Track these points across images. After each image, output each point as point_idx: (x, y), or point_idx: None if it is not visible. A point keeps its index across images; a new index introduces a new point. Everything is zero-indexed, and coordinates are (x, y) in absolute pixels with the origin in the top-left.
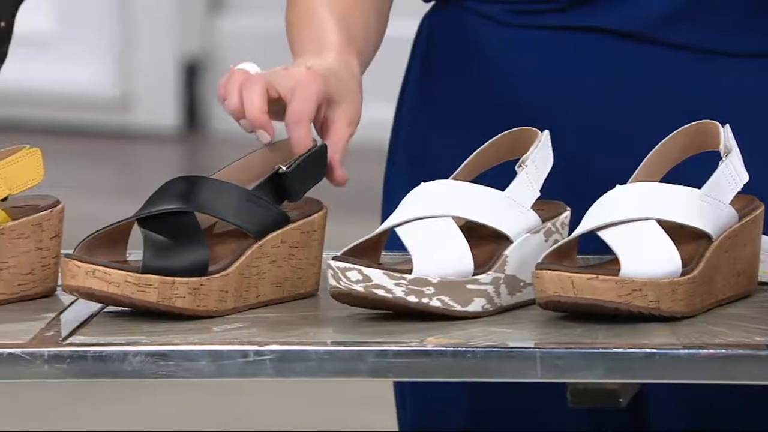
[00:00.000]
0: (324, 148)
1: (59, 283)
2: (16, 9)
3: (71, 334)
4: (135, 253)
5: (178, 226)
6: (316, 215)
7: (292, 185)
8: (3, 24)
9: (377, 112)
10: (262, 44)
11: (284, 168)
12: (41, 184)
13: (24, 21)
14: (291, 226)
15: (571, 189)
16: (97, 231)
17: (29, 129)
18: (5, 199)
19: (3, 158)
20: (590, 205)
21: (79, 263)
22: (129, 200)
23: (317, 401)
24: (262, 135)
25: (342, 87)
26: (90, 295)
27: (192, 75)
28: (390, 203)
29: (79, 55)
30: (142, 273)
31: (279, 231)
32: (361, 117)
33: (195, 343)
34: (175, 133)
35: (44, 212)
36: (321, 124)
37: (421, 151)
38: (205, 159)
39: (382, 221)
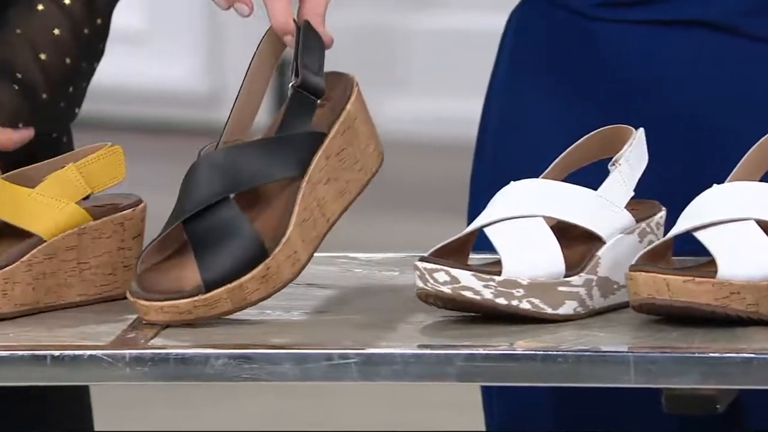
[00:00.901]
0: (307, 25)
1: None
2: (113, 7)
3: (153, 336)
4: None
5: (217, 223)
6: (349, 106)
7: (311, 84)
8: (100, 21)
9: (464, 108)
10: (355, 40)
11: (294, 80)
12: (125, 183)
13: (115, 18)
14: (329, 136)
15: (665, 188)
16: (151, 242)
17: (118, 126)
18: (87, 197)
19: (84, 156)
20: (685, 205)
21: (146, 302)
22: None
23: (401, 403)
24: (240, 8)
25: None
26: (169, 324)
27: (283, 71)
28: (477, 202)
29: (169, 51)
30: (207, 292)
31: (320, 151)
32: None
33: (279, 347)
34: (265, 130)
35: (126, 211)
36: None
37: (509, 148)
38: None
39: (469, 221)
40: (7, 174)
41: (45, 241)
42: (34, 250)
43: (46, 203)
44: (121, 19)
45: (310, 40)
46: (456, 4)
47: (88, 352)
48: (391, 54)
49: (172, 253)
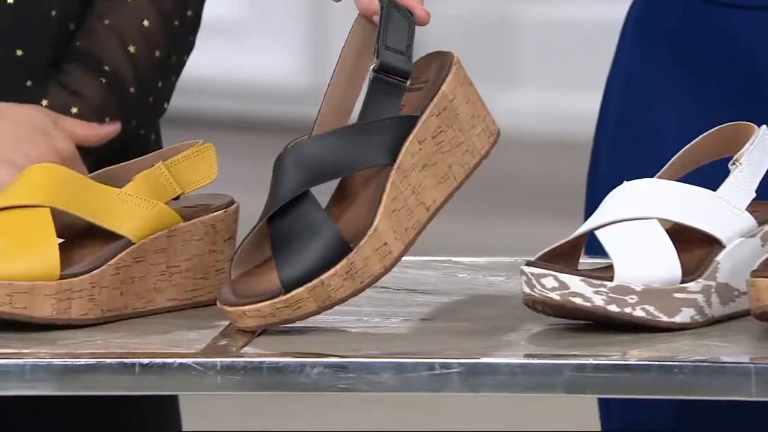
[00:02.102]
0: (389, 2)
1: None
2: None
3: (246, 343)
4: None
5: (298, 214)
6: (448, 77)
7: (395, 66)
8: (190, 13)
9: (581, 103)
10: (466, 31)
11: (374, 64)
12: (220, 183)
13: (213, 8)
14: (421, 120)
15: None
16: (243, 240)
17: (214, 122)
18: (177, 198)
19: (174, 154)
20: None
21: (229, 308)
22: (323, 198)
23: (509, 404)
24: None
25: None
26: (257, 329)
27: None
28: (594, 203)
29: (270, 44)
30: (287, 292)
31: (411, 136)
32: None
33: (378, 355)
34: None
35: (218, 212)
36: None
37: (629, 145)
38: None
39: (585, 218)
40: (95, 173)
41: (133, 243)
42: (122, 253)
43: (135, 204)
44: (219, 9)
45: (394, 18)
46: None
47: (178, 360)
48: (503, 46)
49: (266, 255)
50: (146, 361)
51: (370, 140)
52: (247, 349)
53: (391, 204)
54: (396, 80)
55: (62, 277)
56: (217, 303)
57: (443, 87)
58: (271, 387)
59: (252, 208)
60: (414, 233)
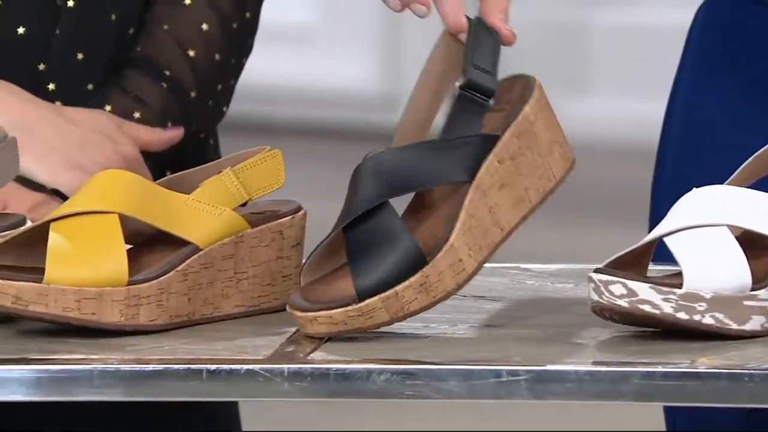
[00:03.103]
0: (478, 21)
1: None
2: (262, 0)
3: (313, 350)
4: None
5: (376, 228)
6: (527, 107)
7: (480, 85)
8: (248, 15)
9: (651, 110)
10: (539, 38)
11: (461, 81)
12: (299, 189)
13: (286, 14)
14: (502, 140)
15: None
16: (318, 246)
17: (287, 129)
18: (244, 204)
19: (242, 160)
20: None
21: (300, 313)
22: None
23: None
24: (417, 9)
25: None
26: (326, 336)
27: None
28: (658, 210)
29: (343, 50)
30: (361, 300)
31: (491, 156)
32: None
33: (445, 362)
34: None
35: (285, 219)
36: None
37: (693, 153)
38: None
39: (650, 230)
40: (163, 179)
41: (201, 249)
42: (190, 259)
43: (203, 210)
44: (292, 16)
45: (482, 37)
46: None
47: (245, 367)
48: (574, 52)
49: (338, 263)
50: (213, 367)
51: (452, 156)
52: (314, 356)
53: (468, 221)
54: (481, 99)
55: (130, 283)
56: (287, 308)
57: (525, 109)
58: (338, 394)
59: (320, 215)
60: (487, 252)
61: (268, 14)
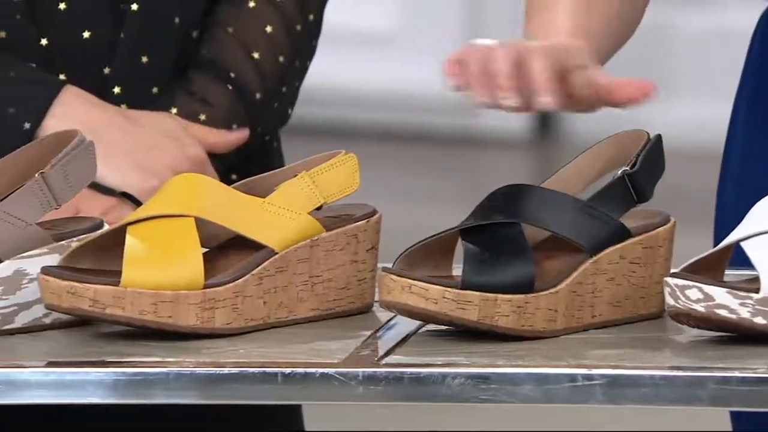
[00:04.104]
0: (659, 138)
1: (376, 298)
2: (325, 2)
3: (387, 353)
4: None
5: (503, 238)
6: (660, 228)
7: (640, 186)
8: (312, 18)
9: (711, 112)
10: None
11: (628, 168)
12: (367, 191)
13: (366, 19)
14: (632, 240)
15: None
16: (419, 242)
17: (366, 133)
18: (320, 208)
19: (317, 164)
20: None
21: (395, 277)
22: (468, 211)
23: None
24: (507, 101)
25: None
26: (407, 312)
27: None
28: (723, 213)
29: (422, 53)
30: (462, 289)
31: (617, 246)
32: None
33: (519, 366)
34: (525, 137)
35: (360, 222)
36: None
37: (757, 159)
38: (558, 166)
39: (715, 235)
40: (238, 183)
41: (276, 253)
42: (266, 263)
43: (279, 214)
44: (372, 20)
45: (657, 154)
46: (728, 0)
47: (320, 370)
48: (659, 56)
49: (446, 256)
50: (288, 370)
51: (589, 224)
52: (388, 360)
53: (574, 285)
54: (633, 196)
55: (206, 287)
56: (381, 269)
57: (660, 230)
58: (412, 397)
59: (398, 220)
60: (574, 323)
61: (349, 19)
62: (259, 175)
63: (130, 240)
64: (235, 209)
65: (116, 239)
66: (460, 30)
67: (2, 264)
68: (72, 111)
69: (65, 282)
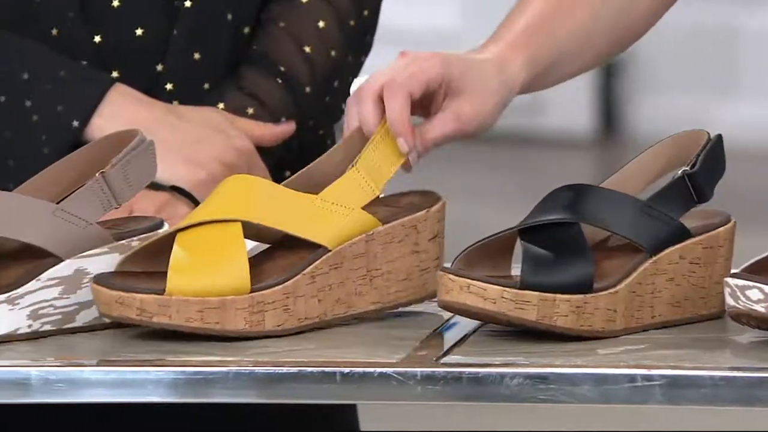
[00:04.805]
0: (719, 138)
1: None
2: None
3: (446, 353)
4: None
5: (562, 238)
6: (721, 229)
7: (701, 186)
8: (366, 13)
9: None
10: (689, 41)
11: (688, 168)
12: (445, 192)
13: (425, 15)
14: (691, 240)
15: None
16: (478, 242)
17: None
18: (377, 198)
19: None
20: None
21: (454, 277)
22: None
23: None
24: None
25: (470, 80)
26: (465, 312)
27: (609, 74)
28: None
29: None
30: (521, 289)
31: (677, 246)
32: (481, 119)
33: (578, 366)
34: (589, 137)
35: (419, 214)
36: (430, 109)
37: None
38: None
39: None
40: (288, 180)
41: (330, 250)
42: (318, 261)
43: (331, 210)
44: (435, 19)
45: (718, 160)
46: None
47: (378, 370)
48: (724, 55)
49: (505, 255)
50: (347, 370)
51: (649, 224)
52: (447, 359)
53: (634, 285)
54: (693, 196)
55: (255, 290)
56: (439, 271)
57: (720, 230)
58: (470, 398)
59: (461, 217)
60: (633, 323)
61: (411, 18)
62: (309, 167)
63: (175, 248)
64: (287, 209)
65: (169, 243)
66: None
67: (63, 263)
68: (120, 110)
69: (113, 292)
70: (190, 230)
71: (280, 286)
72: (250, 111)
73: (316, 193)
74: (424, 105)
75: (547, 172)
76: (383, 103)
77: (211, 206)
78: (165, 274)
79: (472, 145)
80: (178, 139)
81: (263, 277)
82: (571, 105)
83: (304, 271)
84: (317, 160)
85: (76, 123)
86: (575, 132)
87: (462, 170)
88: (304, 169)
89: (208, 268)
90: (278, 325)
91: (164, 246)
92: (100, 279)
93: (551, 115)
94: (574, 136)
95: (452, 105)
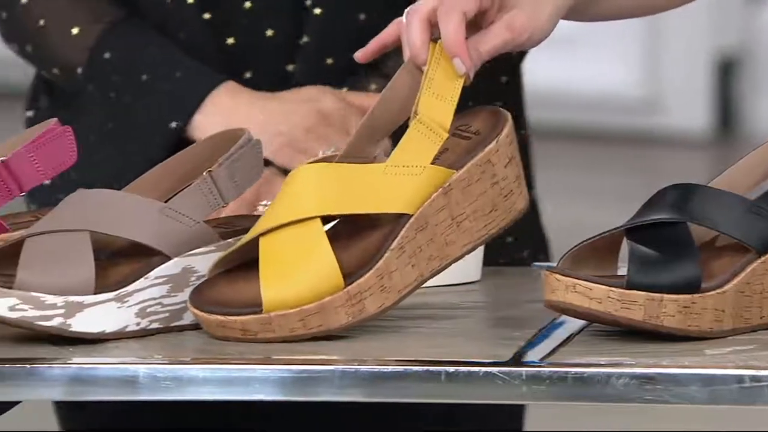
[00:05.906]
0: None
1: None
2: None
3: (551, 353)
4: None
5: (669, 238)
6: None
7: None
8: None
9: None
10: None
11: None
12: (551, 193)
13: None
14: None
15: None
16: (584, 241)
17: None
18: (445, 150)
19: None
20: None
21: (560, 277)
22: None
23: None
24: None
25: None
26: (571, 311)
27: (727, 73)
28: None
29: (602, 53)
30: (627, 288)
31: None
32: (533, 28)
33: (685, 366)
34: (707, 137)
35: (490, 146)
36: (482, 25)
37: None
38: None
39: None
40: (350, 143)
41: (411, 216)
42: (404, 230)
43: (404, 173)
44: None
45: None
46: None
47: (484, 369)
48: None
49: (611, 255)
50: (452, 369)
51: (757, 224)
52: (552, 359)
53: (742, 285)
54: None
55: (348, 283)
56: (544, 272)
57: (491, 145)
58: (576, 397)
59: (574, 217)
60: (742, 324)
61: None
62: (369, 112)
63: (262, 259)
64: (359, 186)
65: (254, 247)
66: (639, 28)
67: (171, 261)
68: (220, 109)
69: (212, 317)
70: (271, 236)
71: (372, 270)
72: (373, 87)
73: (383, 137)
74: (474, 23)
75: (665, 171)
76: (432, 27)
77: (285, 207)
78: (256, 273)
79: (589, 146)
80: (264, 115)
81: (352, 259)
82: (688, 104)
83: (392, 246)
84: (374, 106)
85: (174, 124)
86: (692, 131)
87: (581, 170)
88: (364, 119)
89: (298, 275)
90: (380, 306)
91: (242, 253)
92: (196, 303)
93: (668, 115)
94: (691, 135)
95: (505, 16)
